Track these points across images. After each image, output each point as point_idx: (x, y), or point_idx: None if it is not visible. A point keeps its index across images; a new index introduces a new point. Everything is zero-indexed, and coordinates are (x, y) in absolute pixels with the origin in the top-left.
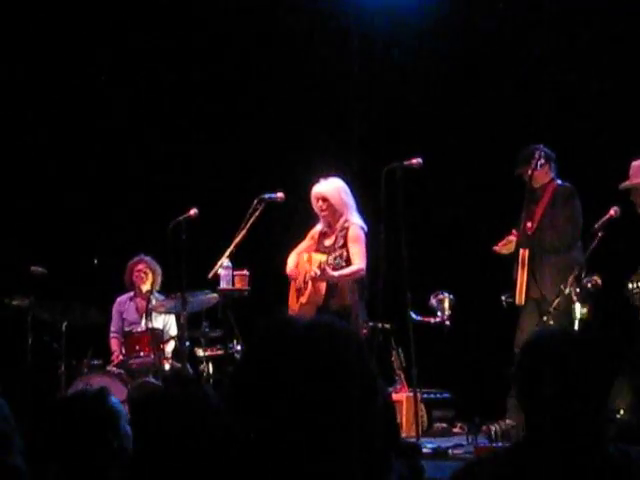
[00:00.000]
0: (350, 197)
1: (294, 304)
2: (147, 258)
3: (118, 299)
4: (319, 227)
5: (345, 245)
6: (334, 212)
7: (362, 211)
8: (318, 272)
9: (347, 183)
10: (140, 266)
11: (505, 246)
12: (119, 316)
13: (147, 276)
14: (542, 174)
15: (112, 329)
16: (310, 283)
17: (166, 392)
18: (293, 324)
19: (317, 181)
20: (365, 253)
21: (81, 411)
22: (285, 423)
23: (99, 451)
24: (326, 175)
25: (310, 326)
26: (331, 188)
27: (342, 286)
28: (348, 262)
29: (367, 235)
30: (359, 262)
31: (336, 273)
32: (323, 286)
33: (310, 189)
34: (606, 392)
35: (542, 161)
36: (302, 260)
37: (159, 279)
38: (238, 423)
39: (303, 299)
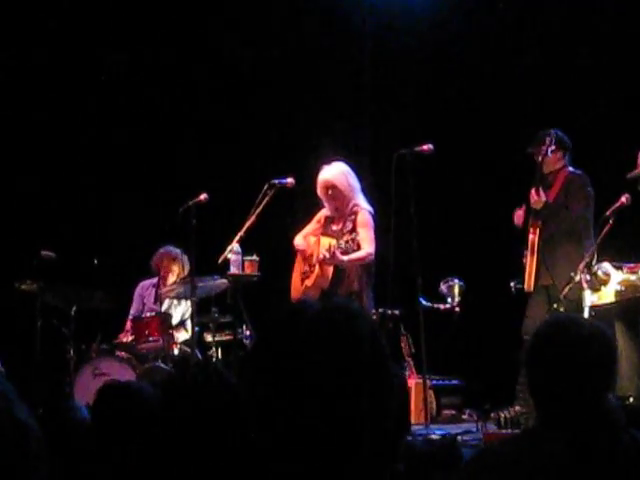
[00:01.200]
0: (356, 180)
1: (298, 286)
2: (176, 253)
3: (141, 283)
4: (325, 211)
5: (354, 229)
6: (343, 198)
7: (368, 194)
8: (327, 255)
9: (353, 167)
10: (168, 260)
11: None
12: (140, 300)
13: (174, 270)
14: (554, 160)
15: (132, 312)
16: (317, 266)
17: (185, 375)
18: (307, 306)
19: (321, 168)
20: (374, 238)
21: None
22: (299, 406)
23: None
24: (329, 160)
25: (325, 308)
26: (338, 174)
27: (350, 272)
28: (357, 247)
29: (375, 219)
30: (368, 247)
31: (345, 257)
32: (330, 270)
33: (316, 176)
34: (613, 379)
35: (552, 147)
36: (309, 242)
37: (186, 271)
38: (252, 405)
39: (308, 282)
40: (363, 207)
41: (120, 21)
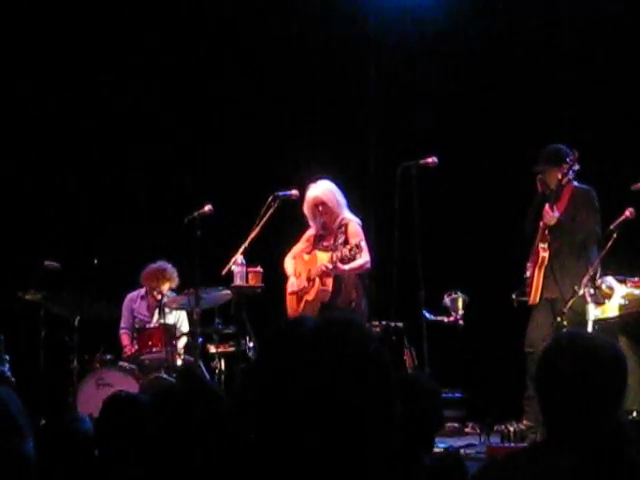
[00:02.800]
0: (342, 196)
1: (294, 305)
2: (168, 268)
3: (128, 296)
4: (312, 231)
5: (347, 241)
6: (331, 214)
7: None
8: (330, 266)
9: (339, 185)
10: (162, 276)
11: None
12: (129, 313)
13: (164, 286)
14: (560, 174)
15: (122, 325)
16: (317, 280)
17: (179, 390)
18: (308, 322)
19: (308, 187)
20: (367, 247)
21: None
22: (301, 422)
23: None
24: (315, 179)
25: (326, 323)
26: (326, 191)
27: (347, 283)
28: (354, 257)
29: (364, 229)
30: (365, 256)
31: (347, 266)
32: (330, 282)
33: (304, 195)
34: (623, 395)
35: (577, 167)
36: (301, 262)
37: (175, 284)
38: (250, 422)
39: (309, 297)
40: (351, 219)
41: (116, 32)
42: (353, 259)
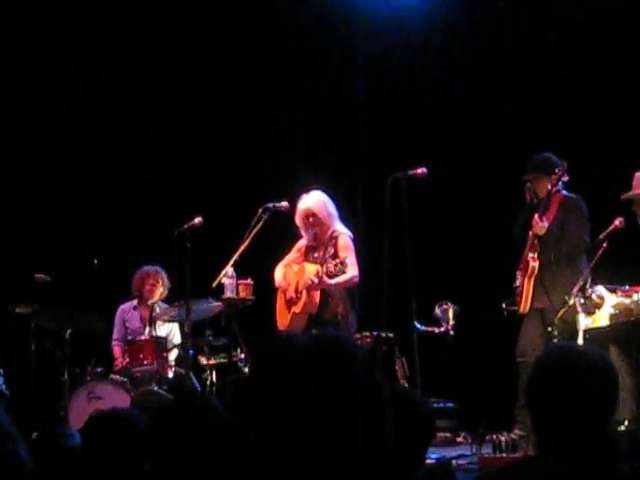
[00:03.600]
0: (334, 208)
1: (283, 317)
2: (163, 272)
3: (121, 307)
4: (304, 241)
5: (336, 254)
6: (322, 225)
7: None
8: (316, 280)
9: (330, 195)
10: (155, 278)
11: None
12: (122, 324)
13: (157, 290)
14: (550, 185)
15: (114, 337)
16: (304, 292)
17: (177, 403)
18: (298, 339)
19: (300, 197)
20: (356, 261)
21: None
22: (292, 437)
23: None
24: (308, 190)
25: (316, 341)
26: (317, 202)
27: (334, 296)
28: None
29: (355, 243)
30: (352, 270)
31: (332, 281)
32: (317, 295)
33: (295, 206)
34: (614, 408)
35: (566, 178)
36: (291, 271)
37: (166, 292)
38: (243, 432)
39: (296, 309)
40: (342, 232)
41: (115, 30)
42: (335, 276)
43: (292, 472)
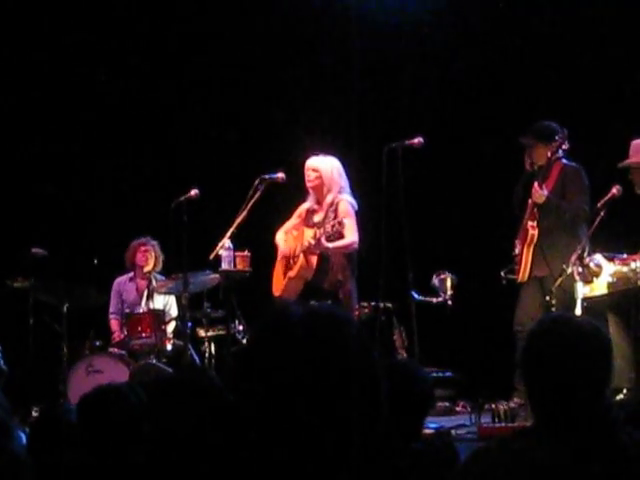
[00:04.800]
0: (343, 178)
1: (279, 281)
2: (153, 241)
3: (117, 280)
4: (306, 205)
5: (336, 219)
6: (322, 185)
7: (358, 188)
8: (313, 242)
9: (346, 164)
10: (145, 247)
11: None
12: (118, 297)
13: (151, 258)
14: (549, 152)
15: (111, 310)
16: (301, 256)
17: (176, 379)
18: (292, 315)
19: (314, 154)
20: (356, 228)
21: None
22: (287, 413)
23: None
24: (325, 153)
25: (309, 316)
26: (325, 162)
27: (334, 262)
28: (340, 236)
29: (357, 213)
30: (351, 235)
31: (331, 245)
32: (314, 260)
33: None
34: (609, 377)
35: (566, 146)
36: (291, 238)
37: (160, 263)
38: (241, 407)
39: (292, 273)
40: (343, 198)
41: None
42: (338, 236)
43: (286, 450)
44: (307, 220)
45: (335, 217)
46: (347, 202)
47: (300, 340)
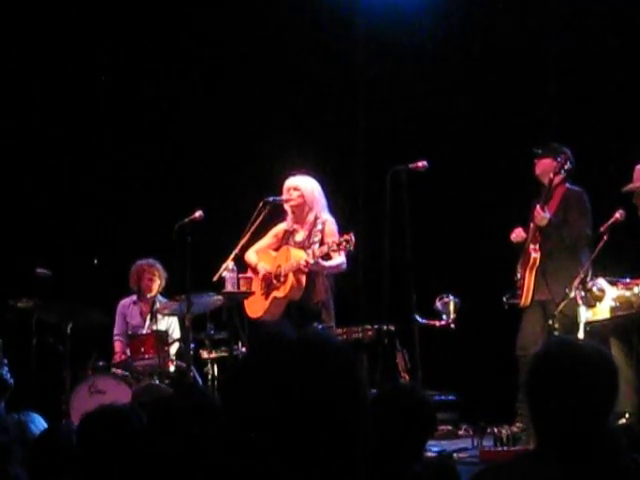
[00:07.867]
0: (323, 197)
1: (258, 302)
2: (157, 264)
3: (121, 302)
4: (283, 225)
5: (322, 241)
6: (304, 204)
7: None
8: (311, 261)
9: (324, 184)
10: (150, 275)
11: (519, 235)
12: (122, 319)
13: (155, 284)
14: (553, 168)
15: (115, 332)
16: (291, 276)
17: (176, 401)
18: (283, 342)
19: (292, 174)
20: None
21: None
22: (277, 436)
23: None
24: (302, 173)
25: (301, 343)
26: (305, 182)
27: (319, 282)
28: (328, 256)
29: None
30: (340, 256)
31: (327, 264)
32: (304, 280)
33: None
34: (614, 402)
35: (568, 166)
36: (268, 257)
37: (164, 283)
38: (235, 429)
39: (279, 293)
40: (328, 219)
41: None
42: (327, 257)
43: (273, 473)
44: (286, 240)
45: (322, 237)
46: (332, 222)
47: (294, 366)
